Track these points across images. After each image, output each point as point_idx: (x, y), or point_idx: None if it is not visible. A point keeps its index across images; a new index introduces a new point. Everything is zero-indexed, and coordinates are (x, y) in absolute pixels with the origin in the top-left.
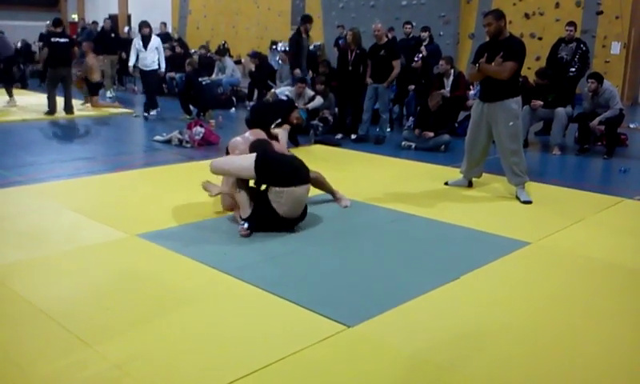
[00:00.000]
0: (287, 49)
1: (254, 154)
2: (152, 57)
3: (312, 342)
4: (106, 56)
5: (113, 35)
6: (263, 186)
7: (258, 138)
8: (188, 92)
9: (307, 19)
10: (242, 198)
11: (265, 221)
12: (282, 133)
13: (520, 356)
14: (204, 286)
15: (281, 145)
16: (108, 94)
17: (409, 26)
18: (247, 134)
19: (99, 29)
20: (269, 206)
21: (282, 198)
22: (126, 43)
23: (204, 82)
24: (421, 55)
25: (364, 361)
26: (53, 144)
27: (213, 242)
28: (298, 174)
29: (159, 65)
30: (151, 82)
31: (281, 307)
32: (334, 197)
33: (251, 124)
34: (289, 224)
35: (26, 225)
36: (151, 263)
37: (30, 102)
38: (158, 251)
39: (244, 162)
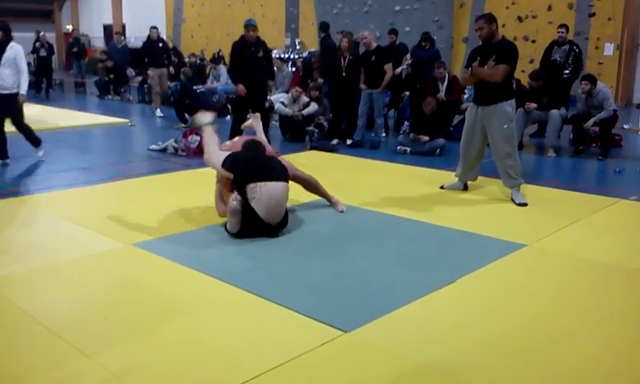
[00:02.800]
0: (281, 56)
1: (225, 154)
2: (10, 74)
3: (309, 349)
4: (154, 69)
5: (161, 45)
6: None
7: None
8: (183, 100)
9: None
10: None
11: (248, 224)
12: (255, 123)
13: (519, 358)
14: (201, 294)
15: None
16: (158, 112)
17: (392, 36)
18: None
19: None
20: (249, 208)
21: (256, 194)
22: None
23: (199, 91)
24: (407, 62)
25: (361, 366)
26: (48, 154)
27: (209, 249)
28: (272, 172)
29: (20, 86)
30: (11, 111)
31: (277, 314)
32: (330, 201)
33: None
34: (272, 229)
35: (22, 236)
36: (148, 272)
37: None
38: (154, 260)
39: (215, 158)
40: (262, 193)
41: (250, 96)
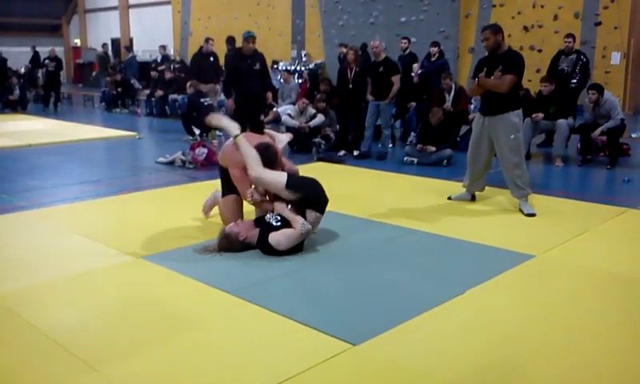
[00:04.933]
0: (288, 68)
1: (285, 174)
2: None
3: (317, 362)
4: (203, 85)
5: (212, 59)
6: None
7: (260, 143)
8: (190, 113)
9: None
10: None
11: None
12: (284, 140)
13: (531, 370)
14: (210, 307)
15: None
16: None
17: (405, 41)
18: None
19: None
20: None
21: (317, 224)
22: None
23: (206, 103)
24: (419, 72)
25: (370, 379)
26: (56, 168)
27: (217, 262)
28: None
29: None
30: None
31: (285, 327)
32: None
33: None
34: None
35: (31, 250)
36: (157, 286)
37: (33, 127)
38: (163, 273)
39: (270, 176)
40: (318, 224)
41: (246, 109)
